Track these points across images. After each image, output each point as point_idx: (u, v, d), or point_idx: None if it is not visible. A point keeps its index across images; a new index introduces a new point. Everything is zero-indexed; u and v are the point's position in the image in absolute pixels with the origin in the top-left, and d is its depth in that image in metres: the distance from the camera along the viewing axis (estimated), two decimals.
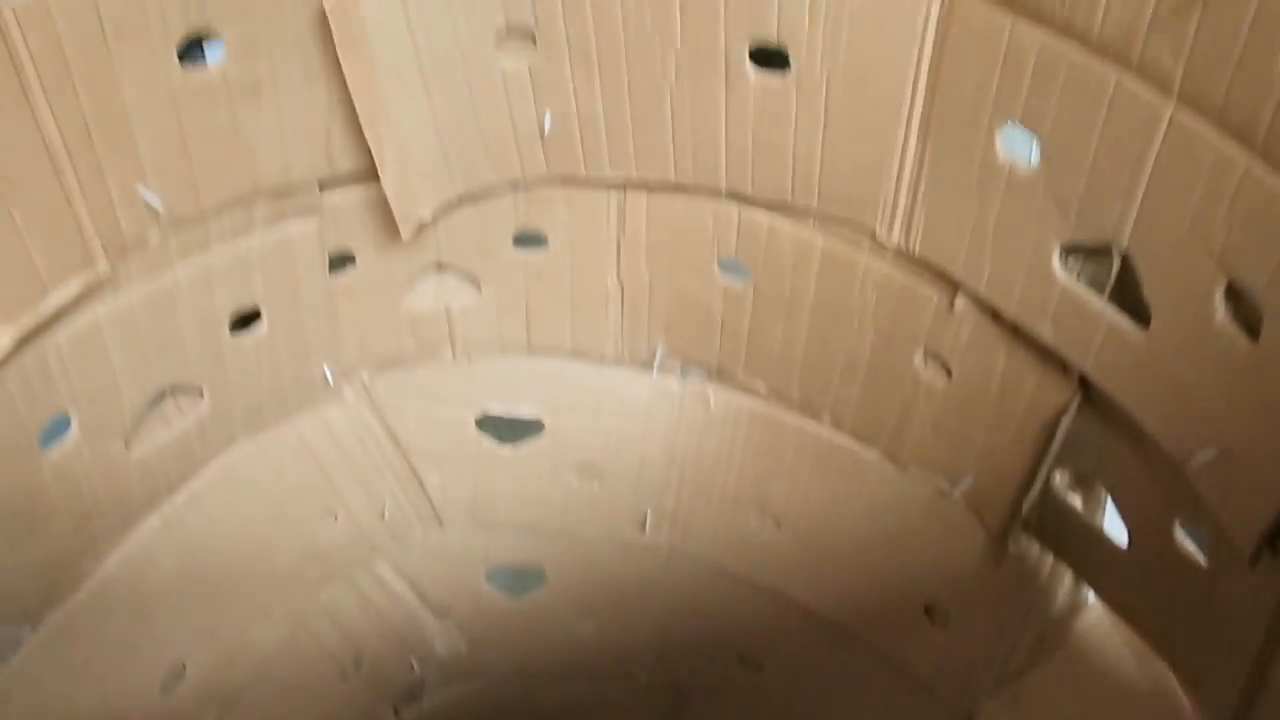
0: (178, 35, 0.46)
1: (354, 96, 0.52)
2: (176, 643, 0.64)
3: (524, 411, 0.72)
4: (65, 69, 0.42)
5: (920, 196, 0.52)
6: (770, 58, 0.52)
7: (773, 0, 0.48)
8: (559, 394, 0.71)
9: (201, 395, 0.58)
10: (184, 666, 0.65)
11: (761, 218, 0.59)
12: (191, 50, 0.48)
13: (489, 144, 0.58)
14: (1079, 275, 0.47)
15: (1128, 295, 0.45)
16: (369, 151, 0.54)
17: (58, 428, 0.50)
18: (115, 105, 0.45)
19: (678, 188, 0.60)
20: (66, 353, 0.49)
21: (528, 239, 0.65)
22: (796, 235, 0.59)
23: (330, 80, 0.52)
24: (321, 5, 0.49)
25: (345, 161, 0.56)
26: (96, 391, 0.51)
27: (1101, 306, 0.45)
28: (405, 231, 0.58)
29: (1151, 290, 0.42)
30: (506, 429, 0.73)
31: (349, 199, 0.59)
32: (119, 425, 0.53)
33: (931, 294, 0.56)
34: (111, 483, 0.54)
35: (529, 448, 0.73)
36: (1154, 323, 0.42)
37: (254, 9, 0.48)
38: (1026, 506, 0.57)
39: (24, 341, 0.46)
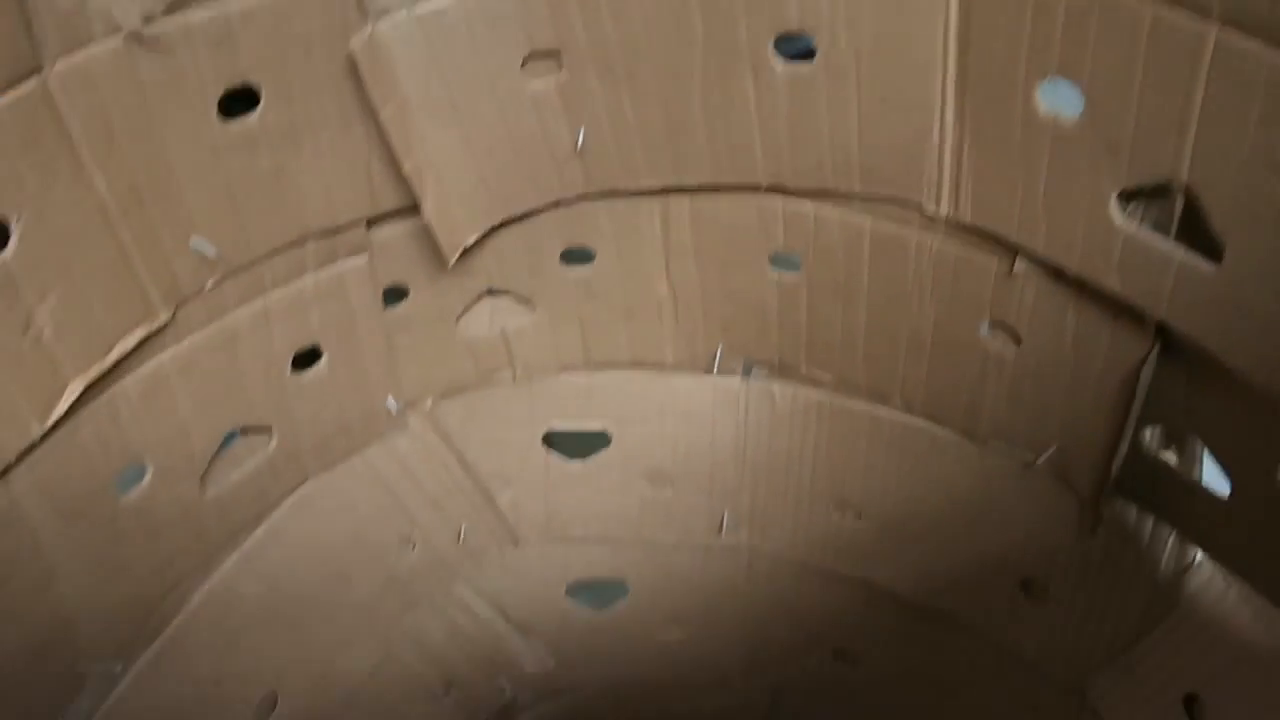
0: (216, 91, 0.47)
1: (389, 134, 0.53)
2: (265, 675, 0.65)
3: (589, 426, 0.72)
4: (110, 132, 0.44)
5: (965, 164, 0.51)
6: (797, 45, 0.51)
7: None
8: (622, 405, 0.71)
9: (270, 434, 0.59)
10: (275, 698, 0.67)
11: (806, 207, 0.59)
12: (234, 104, 0.49)
13: (525, 166, 0.58)
14: (1140, 220, 0.45)
15: (1195, 232, 0.43)
16: (410, 185, 0.55)
17: (133, 473, 0.52)
18: (161, 162, 0.47)
19: (718, 188, 0.60)
20: (135, 400, 0.50)
21: (575, 255, 0.65)
22: (844, 220, 0.58)
23: (365, 121, 0.53)
24: (350, 50, 0.50)
25: (388, 197, 0.57)
26: (167, 436, 0.53)
27: (1169, 247, 0.44)
28: (450, 257, 0.58)
29: (1220, 221, 0.40)
30: (574, 443, 0.73)
31: (396, 233, 0.60)
32: (191, 467, 0.55)
33: (989, 261, 0.54)
34: (189, 523, 0.56)
35: (598, 461, 0.73)
36: (1228, 255, 0.40)
37: (285, 59, 0.49)
38: (1116, 468, 0.55)
39: (93, 391, 0.48)
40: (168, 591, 0.56)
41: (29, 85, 0.40)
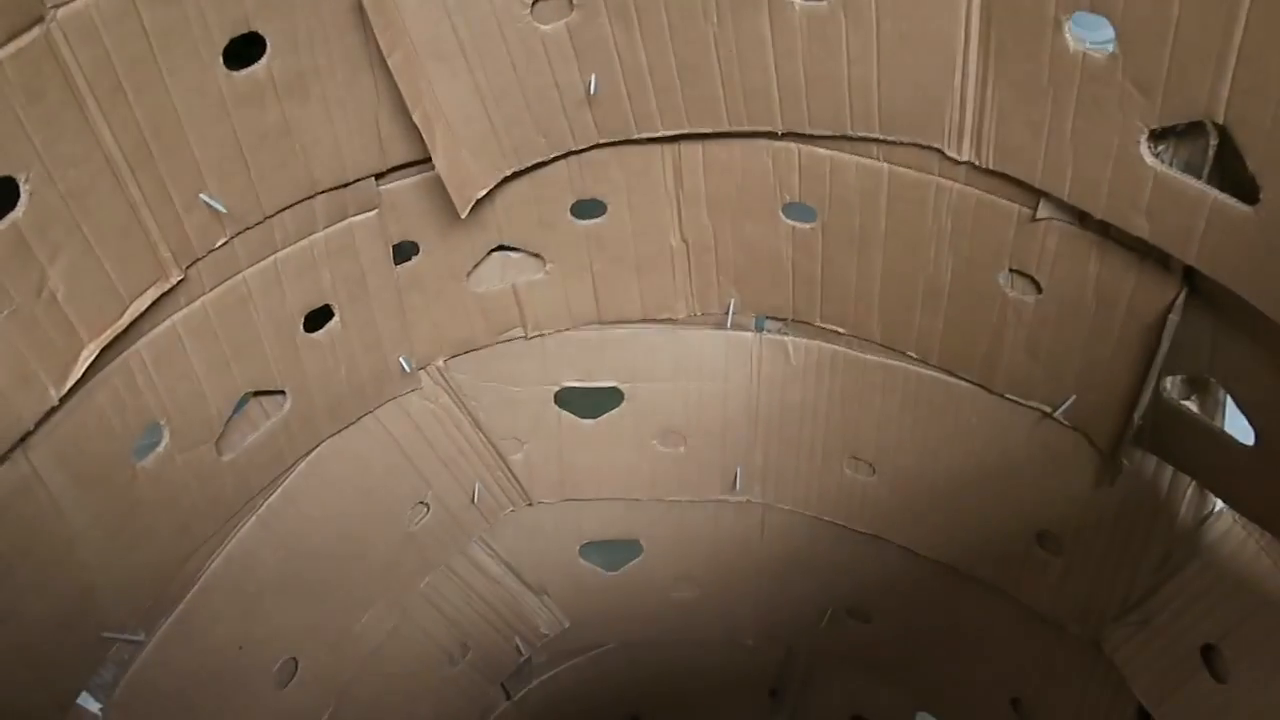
0: (221, 39, 0.46)
1: (398, 81, 0.52)
2: (285, 640, 0.65)
3: (601, 382, 0.71)
4: (116, 81, 0.43)
5: (988, 105, 0.50)
6: None
7: None
8: (634, 362, 0.70)
9: (284, 395, 0.58)
10: (296, 663, 0.66)
11: (823, 153, 0.57)
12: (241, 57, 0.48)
13: (537, 114, 0.57)
14: (1172, 161, 0.44)
15: (1227, 173, 0.42)
16: (420, 137, 0.54)
17: (149, 440, 0.51)
18: (168, 113, 0.45)
19: (732, 134, 0.58)
20: (150, 362, 0.49)
21: (586, 207, 0.64)
22: (861, 166, 0.57)
23: (374, 68, 0.52)
24: None
25: (397, 150, 0.56)
26: (182, 399, 0.52)
27: (1201, 189, 0.43)
28: (462, 210, 0.57)
29: (1257, 160, 0.39)
30: (586, 402, 0.73)
31: (406, 187, 0.59)
32: (208, 430, 0.54)
33: (1011, 206, 0.53)
34: (206, 488, 0.55)
35: (610, 419, 0.73)
36: (1264, 195, 0.40)
37: (291, 5, 0.47)
38: (1138, 417, 0.55)
39: (108, 355, 0.47)
40: (186, 558, 0.56)
41: (32, 34, 0.39)
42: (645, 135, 0.59)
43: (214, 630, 0.58)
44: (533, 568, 0.82)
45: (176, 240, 0.48)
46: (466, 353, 0.68)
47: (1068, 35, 0.44)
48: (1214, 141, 0.42)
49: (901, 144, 0.54)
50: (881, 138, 0.54)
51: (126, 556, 0.51)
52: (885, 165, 0.56)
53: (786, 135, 0.57)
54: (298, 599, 0.64)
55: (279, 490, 0.61)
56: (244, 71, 0.48)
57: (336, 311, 0.59)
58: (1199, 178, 0.43)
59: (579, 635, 0.88)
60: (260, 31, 0.47)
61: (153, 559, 0.53)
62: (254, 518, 0.59)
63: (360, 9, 0.49)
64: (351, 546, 0.67)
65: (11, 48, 0.38)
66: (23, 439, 0.44)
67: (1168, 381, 0.54)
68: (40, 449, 0.45)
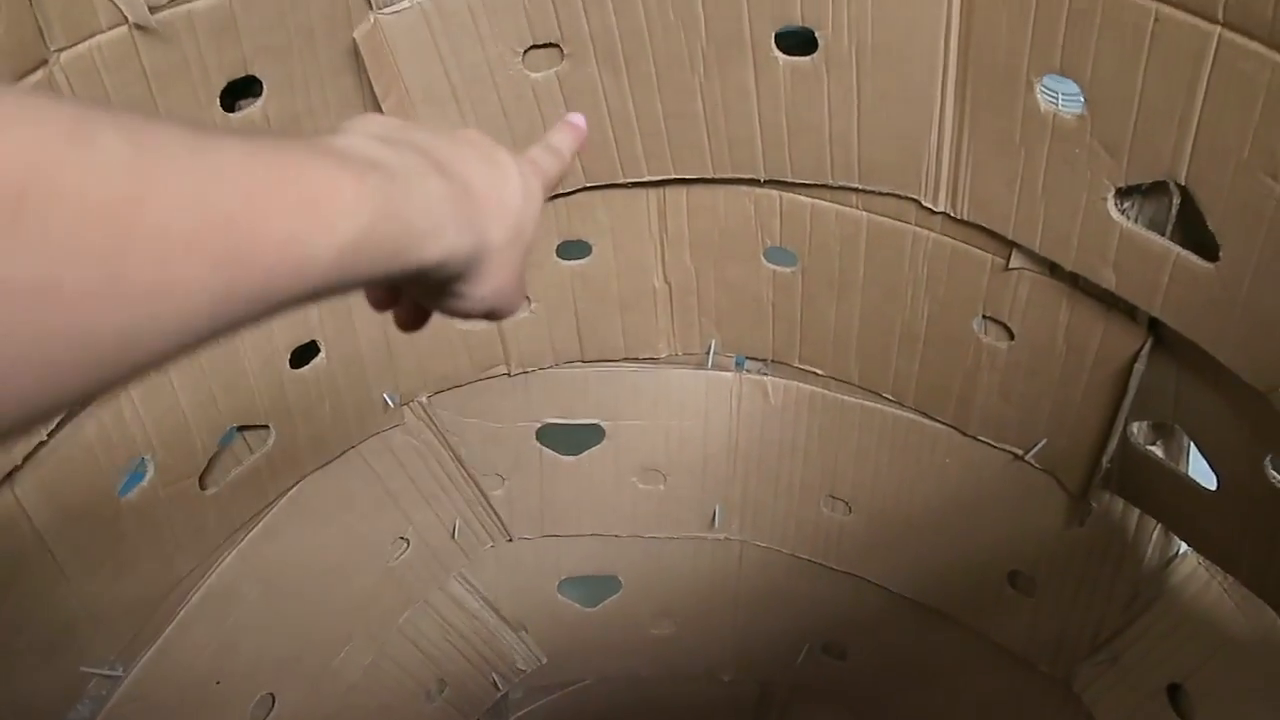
0: (220, 81, 0.47)
1: None
2: (263, 675, 0.65)
3: (582, 420, 0.72)
4: None
5: (964, 158, 0.52)
6: (796, 39, 0.52)
7: None
8: (616, 399, 0.71)
9: (268, 429, 0.59)
10: (273, 698, 0.66)
11: (804, 200, 0.59)
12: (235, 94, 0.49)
13: None
14: (1137, 217, 0.46)
15: (1191, 230, 0.44)
16: None
17: (135, 475, 0.51)
18: None
19: (716, 180, 0.60)
20: (137, 397, 0.50)
21: (571, 248, 0.65)
22: (841, 213, 0.59)
23: (366, 108, 0.53)
24: (353, 37, 0.50)
25: None
26: (168, 433, 0.52)
27: (1165, 245, 0.45)
28: None
29: (1217, 219, 0.41)
30: (568, 439, 0.74)
31: None
32: (192, 464, 0.54)
33: (985, 255, 0.55)
34: (189, 521, 0.55)
35: (591, 456, 0.73)
36: (1224, 253, 0.41)
37: (289, 47, 0.48)
38: (1106, 461, 0.56)
39: None
40: (168, 592, 0.55)
41: (36, 77, 0.39)
42: (631, 180, 0.60)
43: (192, 665, 0.58)
44: (511, 603, 0.82)
45: None
46: (450, 389, 0.69)
47: (1039, 96, 0.46)
48: (1177, 200, 0.44)
49: (880, 193, 0.56)
50: (861, 187, 0.56)
51: (108, 590, 0.51)
52: (864, 213, 0.58)
53: (769, 182, 0.59)
54: (276, 634, 0.63)
55: (260, 524, 0.61)
56: (240, 113, 0.49)
57: (323, 347, 0.60)
58: (1163, 234, 0.45)
59: (557, 671, 0.88)
60: (257, 75, 0.48)
61: (134, 593, 0.53)
62: (234, 552, 0.59)
63: (356, 54, 0.50)
64: (331, 581, 0.67)
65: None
66: (9, 474, 0.44)
67: (1135, 427, 0.56)
68: (26, 482, 0.46)
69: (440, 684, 0.80)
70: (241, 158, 0.17)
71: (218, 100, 0.47)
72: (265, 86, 0.49)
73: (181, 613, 0.56)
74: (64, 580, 0.48)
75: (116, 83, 0.43)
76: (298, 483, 0.62)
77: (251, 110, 0.49)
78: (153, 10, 0.43)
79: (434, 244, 0.22)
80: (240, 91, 0.49)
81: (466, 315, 0.26)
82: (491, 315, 0.27)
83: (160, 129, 0.16)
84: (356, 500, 0.66)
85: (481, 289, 0.25)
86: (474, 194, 0.24)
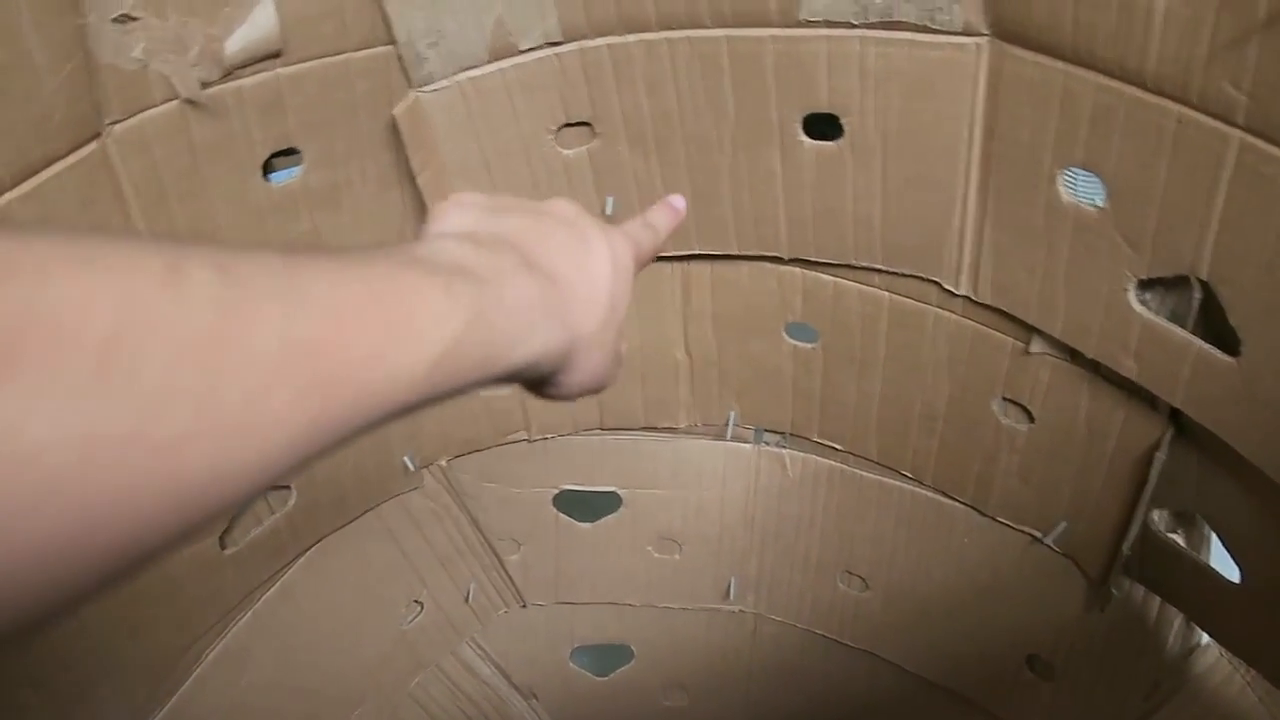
0: (263, 153, 0.49)
1: (426, 197, 0.54)
2: None
3: (600, 487, 0.72)
4: (162, 192, 0.45)
5: (985, 245, 0.52)
6: (823, 123, 0.53)
7: (822, 69, 0.49)
8: (634, 468, 0.72)
9: (289, 490, 0.59)
10: None
11: (826, 279, 0.60)
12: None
13: None
14: (1159, 309, 0.47)
15: (1212, 324, 0.45)
16: None
17: None
18: (206, 221, 0.47)
19: (740, 257, 0.61)
20: None
21: None
22: (863, 293, 0.59)
23: (403, 184, 0.54)
24: (392, 114, 0.51)
25: None
26: None
27: (1186, 338, 0.45)
28: None
29: (1238, 316, 0.41)
30: (584, 506, 0.74)
31: None
32: (213, 523, 0.55)
33: (1005, 339, 0.55)
34: (207, 581, 0.56)
35: (607, 524, 0.74)
36: (1244, 348, 0.42)
37: (331, 122, 0.50)
38: (1126, 548, 0.56)
39: None
40: (183, 651, 0.55)
41: (90, 148, 0.41)
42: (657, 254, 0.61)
43: None
44: (523, 670, 0.81)
45: None
46: (470, 453, 0.70)
47: (1060, 188, 0.47)
48: (1198, 295, 0.44)
49: (902, 275, 0.57)
50: (883, 268, 0.57)
51: (126, 650, 0.51)
52: (886, 293, 0.58)
53: (792, 260, 0.60)
54: (289, 695, 0.63)
55: (277, 585, 0.61)
56: (281, 183, 0.50)
57: None
58: (1184, 327, 0.46)
59: None
60: (299, 148, 0.50)
61: (150, 653, 0.53)
62: (250, 613, 0.59)
63: (395, 129, 0.52)
64: (345, 643, 0.67)
65: (71, 159, 0.41)
66: None
67: (1156, 515, 0.55)
68: None
69: None
70: (329, 280, 0.17)
71: (260, 171, 0.49)
72: (305, 159, 0.50)
73: (195, 672, 0.56)
74: (84, 637, 0.49)
75: (164, 154, 0.44)
76: (316, 544, 0.63)
77: (292, 182, 0.50)
78: (204, 86, 0.44)
79: (526, 346, 0.22)
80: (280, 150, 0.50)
81: (565, 399, 0.26)
82: (590, 393, 0.27)
83: (249, 260, 0.16)
84: (373, 562, 0.66)
85: (577, 375, 0.25)
86: (564, 284, 0.24)
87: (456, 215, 0.24)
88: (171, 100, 0.44)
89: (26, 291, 0.12)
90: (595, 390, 0.27)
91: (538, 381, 0.25)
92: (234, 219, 0.49)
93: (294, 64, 0.47)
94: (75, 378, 0.12)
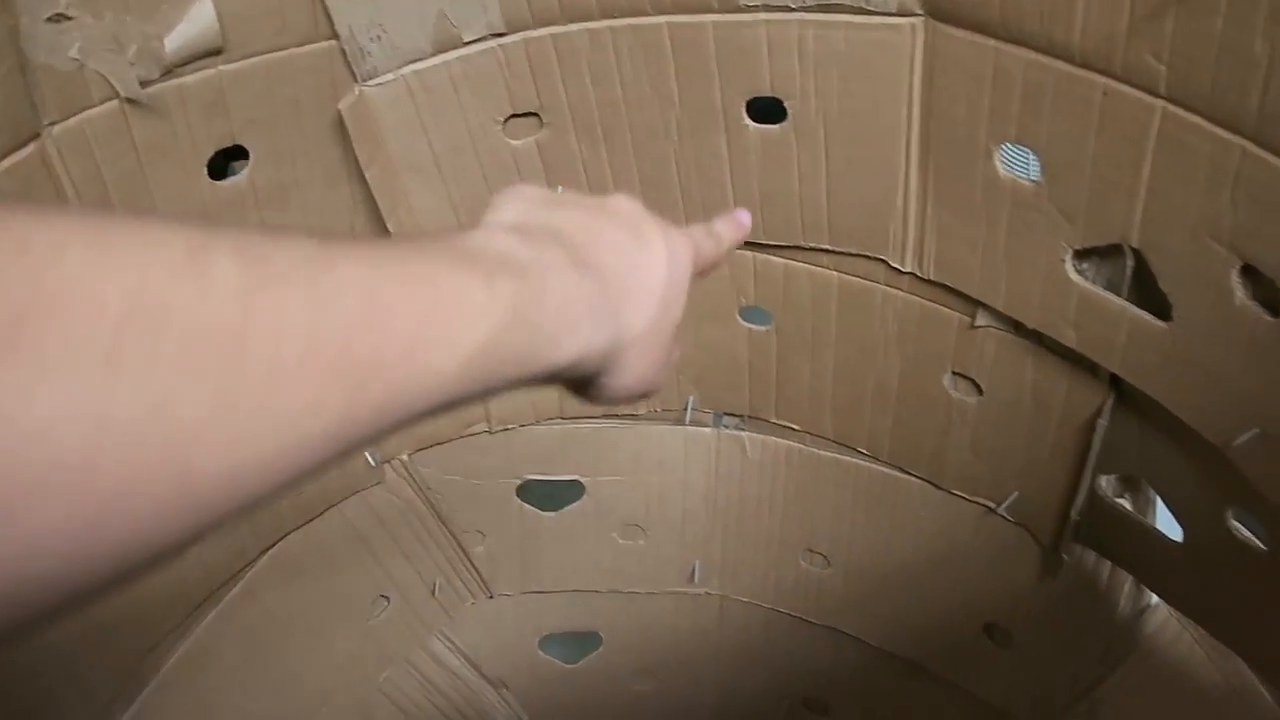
0: (207, 152, 0.48)
1: (374, 192, 0.54)
2: None
3: (563, 476, 0.73)
4: (104, 193, 0.45)
5: (929, 222, 0.53)
6: (770, 106, 0.54)
7: (763, 53, 0.50)
8: (596, 456, 0.72)
9: None
10: None
11: (777, 261, 0.61)
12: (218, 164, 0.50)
13: None
14: (1095, 278, 0.48)
15: (1146, 291, 0.46)
16: None
17: None
18: None
19: None
20: None
21: None
22: (813, 274, 0.60)
23: (351, 180, 0.54)
24: (338, 110, 0.51)
25: None
26: None
27: (1121, 305, 0.46)
28: None
29: (1168, 282, 0.43)
30: (548, 496, 0.74)
31: None
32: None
33: (952, 314, 0.57)
34: (169, 580, 0.55)
35: (571, 512, 0.74)
36: (1175, 313, 0.43)
37: (276, 120, 0.50)
38: (1075, 514, 0.57)
39: None
40: (146, 653, 0.55)
41: (28, 150, 0.41)
42: None
43: None
44: (492, 661, 0.82)
45: None
46: (431, 446, 0.70)
47: (997, 163, 0.48)
48: (1131, 262, 0.46)
49: (850, 254, 0.58)
50: (831, 249, 0.58)
51: (88, 653, 0.51)
52: (835, 274, 0.59)
53: (743, 244, 0.60)
54: (256, 693, 0.63)
55: (240, 584, 0.61)
56: (227, 182, 0.50)
57: None
58: (1119, 294, 0.47)
59: None
60: (245, 145, 0.49)
61: (113, 655, 0.53)
62: (215, 612, 0.59)
63: (341, 125, 0.52)
64: (311, 640, 0.67)
65: (8, 162, 0.40)
66: None
67: (1102, 480, 0.57)
68: None
69: None
70: (363, 269, 0.16)
71: (205, 170, 0.48)
72: (252, 157, 0.50)
73: (159, 674, 0.56)
74: (44, 641, 0.48)
75: (106, 155, 0.44)
76: (279, 541, 0.63)
77: (239, 179, 0.50)
78: (144, 85, 0.44)
79: (568, 344, 0.21)
80: (235, 153, 0.50)
81: (610, 404, 0.25)
82: (636, 400, 0.25)
83: (280, 247, 0.15)
84: (337, 559, 0.66)
85: (623, 378, 0.24)
86: (614, 282, 0.23)
87: (512, 205, 0.23)
88: (111, 100, 0.44)
89: (39, 268, 0.12)
90: (641, 396, 0.25)
91: (581, 382, 0.24)
92: None
93: (235, 61, 0.47)
94: (86, 358, 0.12)
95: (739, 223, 0.32)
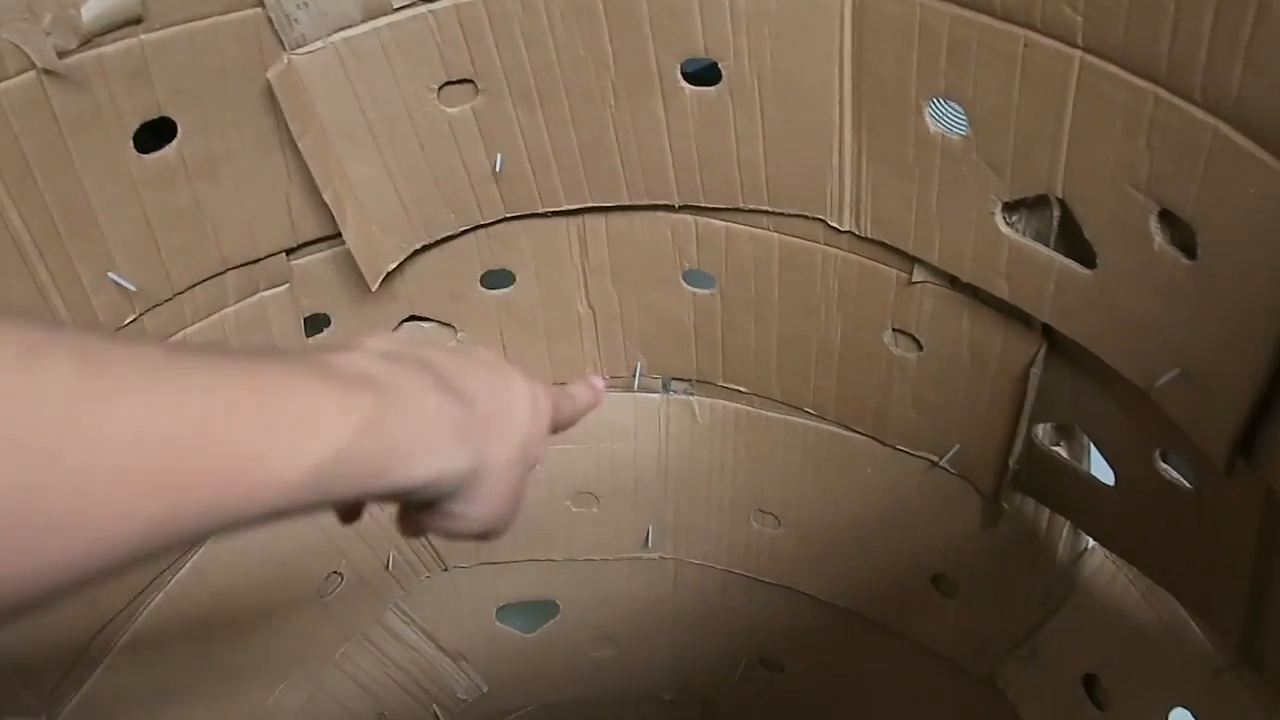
0: (132, 124, 0.47)
1: (308, 162, 0.54)
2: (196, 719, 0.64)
3: None
4: (26, 166, 0.44)
5: (864, 180, 0.54)
6: (703, 69, 0.54)
7: (695, 13, 0.50)
8: None
9: None
10: None
11: (718, 224, 0.61)
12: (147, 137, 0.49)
13: (445, 190, 0.60)
14: (1024, 230, 0.49)
15: (1072, 240, 0.47)
16: (330, 213, 0.56)
17: None
18: (77, 196, 0.46)
19: (633, 207, 0.62)
20: None
21: (496, 278, 0.66)
22: (754, 236, 0.61)
23: (284, 149, 0.54)
24: (268, 80, 0.50)
25: (308, 226, 0.58)
26: None
27: (1049, 255, 0.47)
28: (373, 283, 0.59)
29: (1092, 230, 0.44)
30: None
31: (317, 262, 0.60)
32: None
33: (891, 271, 0.57)
34: None
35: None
36: (1100, 260, 0.44)
37: (203, 90, 0.49)
38: (1013, 463, 0.59)
39: None
40: (93, 637, 0.55)
41: None
42: (550, 209, 0.62)
43: (121, 713, 0.57)
44: (450, 633, 0.82)
45: (85, 319, 0.49)
46: None
47: (928, 119, 0.49)
48: (1057, 213, 0.47)
49: (790, 215, 0.58)
50: (771, 210, 0.58)
51: (31, 636, 0.50)
52: (776, 235, 0.60)
53: (684, 208, 0.61)
54: (209, 676, 0.63)
55: (188, 564, 0.60)
56: (154, 155, 0.49)
57: None
58: (1047, 245, 0.48)
59: (498, 699, 0.88)
60: (171, 117, 0.49)
61: (58, 639, 0.52)
62: (162, 594, 0.59)
63: (271, 94, 0.51)
64: (264, 620, 0.66)
65: None
66: None
67: (1039, 429, 0.59)
68: None
69: (380, 718, 0.80)
70: (214, 377, 0.17)
71: (130, 143, 0.48)
72: (180, 129, 0.49)
73: (108, 658, 0.55)
74: None
75: (25, 127, 0.43)
76: None
77: (166, 152, 0.49)
78: (61, 55, 0.43)
79: (427, 461, 0.21)
80: (159, 128, 0.49)
81: (456, 536, 0.25)
82: (483, 537, 0.26)
83: (125, 352, 0.16)
84: (286, 536, 0.66)
85: (477, 508, 0.24)
86: (478, 410, 0.23)
87: (383, 341, 0.24)
88: (28, 71, 0.42)
89: None
90: (489, 532, 0.26)
91: (433, 507, 0.24)
92: (107, 193, 0.48)
93: (157, 30, 0.46)
94: None
95: (594, 388, 0.33)
